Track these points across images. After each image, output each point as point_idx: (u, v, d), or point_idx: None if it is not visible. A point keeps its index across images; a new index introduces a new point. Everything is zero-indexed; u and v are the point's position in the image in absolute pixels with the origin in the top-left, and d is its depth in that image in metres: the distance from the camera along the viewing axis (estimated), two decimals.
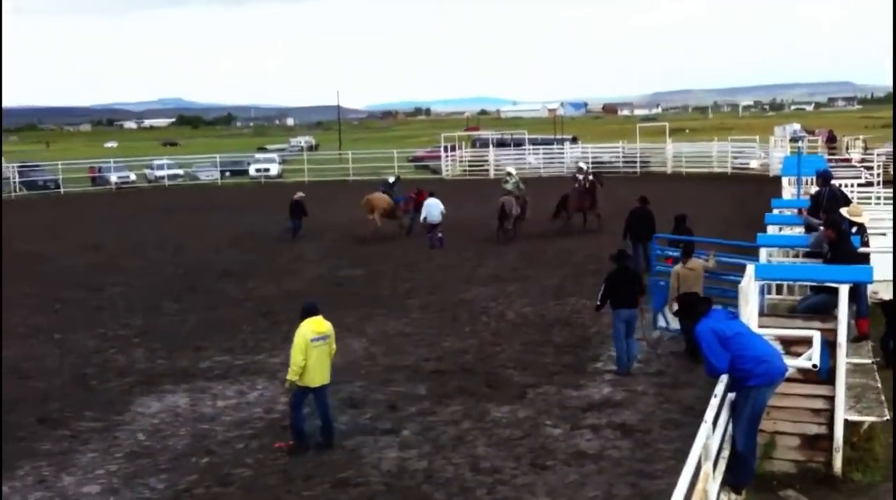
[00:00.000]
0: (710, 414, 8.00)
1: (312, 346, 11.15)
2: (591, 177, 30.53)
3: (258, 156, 64.44)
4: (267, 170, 57.09)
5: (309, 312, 11.46)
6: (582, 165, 35.18)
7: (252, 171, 57.45)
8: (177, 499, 10.12)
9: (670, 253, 18.59)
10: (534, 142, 57.62)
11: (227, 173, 56.66)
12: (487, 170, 51.98)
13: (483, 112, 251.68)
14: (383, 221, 29.15)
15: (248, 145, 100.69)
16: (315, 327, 11.27)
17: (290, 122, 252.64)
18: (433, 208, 27.56)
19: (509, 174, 30.53)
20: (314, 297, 20.22)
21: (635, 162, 51.08)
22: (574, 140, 61.95)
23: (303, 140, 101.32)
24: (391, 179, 32.96)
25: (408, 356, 15.41)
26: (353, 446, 11.47)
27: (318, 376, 11.22)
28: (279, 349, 15.83)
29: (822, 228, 14.17)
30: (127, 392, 13.98)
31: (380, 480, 10.40)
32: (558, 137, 57.78)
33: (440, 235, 27.32)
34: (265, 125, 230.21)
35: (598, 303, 14.49)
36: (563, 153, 54.58)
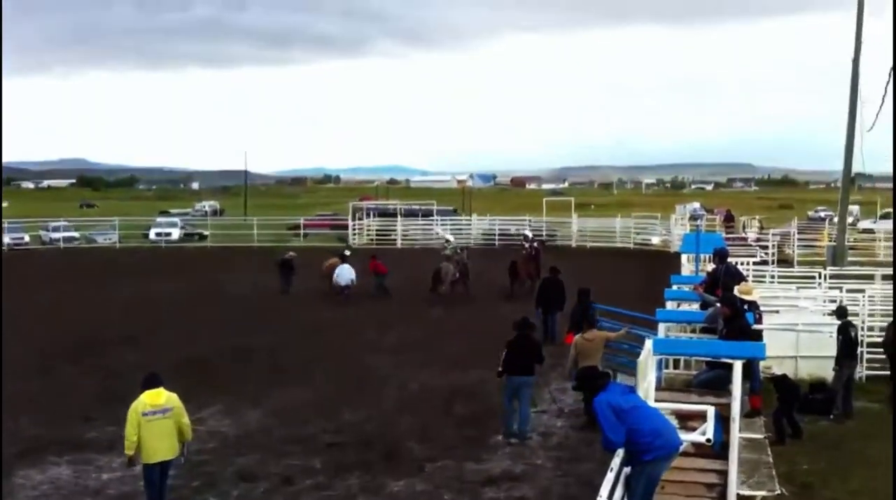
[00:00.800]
0: (605, 489, 7.99)
1: (145, 420, 10.57)
2: (535, 244, 32.38)
3: (159, 219, 63.22)
4: (168, 234, 56.04)
5: (148, 383, 10.89)
6: (528, 232, 36.47)
7: (152, 235, 56.33)
8: None
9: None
10: (412, 213, 58.46)
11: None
12: (395, 239, 52.02)
13: (392, 181, 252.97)
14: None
15: (150, 208, 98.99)
16: (150, 399, 10.69)
17: (195, 185, 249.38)
18: (345, 273, 30.02)
19: (447, 241, 32.66)
20: (210, 365, 19.94)
21: (542, 235, 51.82)
22: (455, 212, 62.83)
23: (207, 205, 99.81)
24: (347, 252, 33.81)
25: (306, 428, 15.08)
26: None
27: (158, 451, 10.62)
28: None
29: (718, 304, 14.52)
30: (10, 462, 13.29)
31: None
32: (437, 207, 59.03)
33: (347, 292, 29.75)
34: (169, 188, 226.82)
35: (500, 369, 14.58)
36: (469, 225, 55.09)
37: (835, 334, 16.29)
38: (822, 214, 66.32)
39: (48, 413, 15.92)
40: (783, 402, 14.32)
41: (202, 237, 57.20)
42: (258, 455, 13.62)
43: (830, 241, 44.47)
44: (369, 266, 31.76)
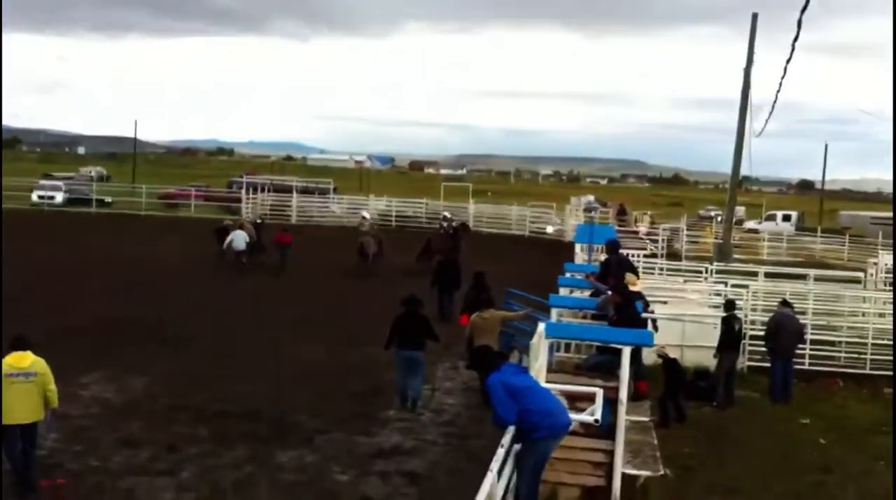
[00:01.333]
0: (495, 464, 8.07)
1: (8, 381, 10.22)
2: (454, 225, 34.50)
3: (42, 182, 60.87)
4: (52, 197, 54.04)
5: (13, 345, 10.53)
6: (447, 213, 40.79)
7: (34, 197, 54.22)
8: None
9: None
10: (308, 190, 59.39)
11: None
12: (290, 215, 51.39)
13: (289, 158, 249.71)
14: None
15: (33, 171, 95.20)
16: (14, 361, 10.35)
17: (80, 150, 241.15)
18: (238, 238, 31.17)
19: (364, 218, 35.89)
20: (94, 333, 19.33)
21: (438, 218, 52.03)
22: (335, 190, 62.89)
23: (93, 170, 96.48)
24: (258, 221, 35.79)
25: (193, 397, 14.75)
26: (126, 486, 10.81)
27: (17, 413, 10.25)
28: None
29: (609, 292, 14.86)
30: None
31: None
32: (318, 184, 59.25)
33: (244, 260, 30.79)
34: (54, 152, 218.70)
35: (385, 343, 15.00)
36: (367, 205, 54.91)
37: (719, 325, 16.86)
38: (712, 214, 68.44)
39: None
40: (670, 386, 14.74)
41: (104, 203, 54.93)
42: (142, 422, 13.29)
43: (716, 238, 46.08)
44: (274, 238, 32.47)
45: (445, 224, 34.36)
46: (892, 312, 19.63)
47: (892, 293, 23.55)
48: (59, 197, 54.66)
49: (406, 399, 14.72)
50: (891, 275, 29.09)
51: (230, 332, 20.17)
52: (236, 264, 30.58)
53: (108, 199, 56.02)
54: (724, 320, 16.69)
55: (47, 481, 10.73)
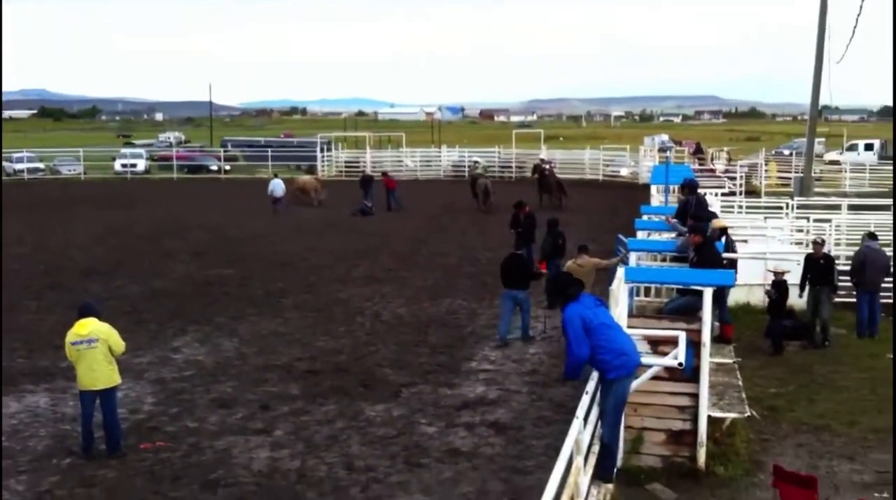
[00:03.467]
0: (581, 410, 8.16)
1: (74, 349, 10.71)
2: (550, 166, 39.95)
3: (124, 151, 62.30)
4: (133, 165, 55.37)
5: (79, 312, 10.98)
6: (543, 156, 45.38)
7: (117, 166, 55.59)
8: None
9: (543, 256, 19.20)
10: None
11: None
12: (364, 171, 51.76)
13: (360, 113, 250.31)
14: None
15: (114, 140, 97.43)
16: (77, 329, 10.77)
17: (159, 117, 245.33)
18: (277, 186, 35.52)
19: (476, 162, 45.41)
20: (182, 296, 19.92)
21: (511, 167, 51.86)
22: (329, 144, 63.22)
23: (172, 136, 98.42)
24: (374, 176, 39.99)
25: (280, 356, 15.15)
26: (223, 446, 11.18)
27: (88, 379, 10.69)
28: (144, 349, 15.34)
29: (688, 233, 14.69)
30: None
31: (251, 480, 10.18)
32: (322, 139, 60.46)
33: (283, 203, 35.26)
34: (132, 119, 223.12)
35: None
36: (439, 157, 55.01)
37: (802, 262, 16.57)
38: (785, 152, 66.50)
39: (18, 346, 15.84)
40: (776, 310, 14.98)
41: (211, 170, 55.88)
42: (235, 383, 13.70)
43: (777, 172, 45.02)
44: (384, 183, 37.41)
45: (546, 166, 39.01)
46: None
47: None
48: (141, 165, 55.95)
49: (504, 334, 15.76)
50: None
51: (310, 290, 20.54)
52: (273, 212, 34.44)
53: (215, 166, 56.65)
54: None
55: (148, 443, 11.19)
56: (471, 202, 36.30)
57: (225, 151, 60.63)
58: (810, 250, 16.60)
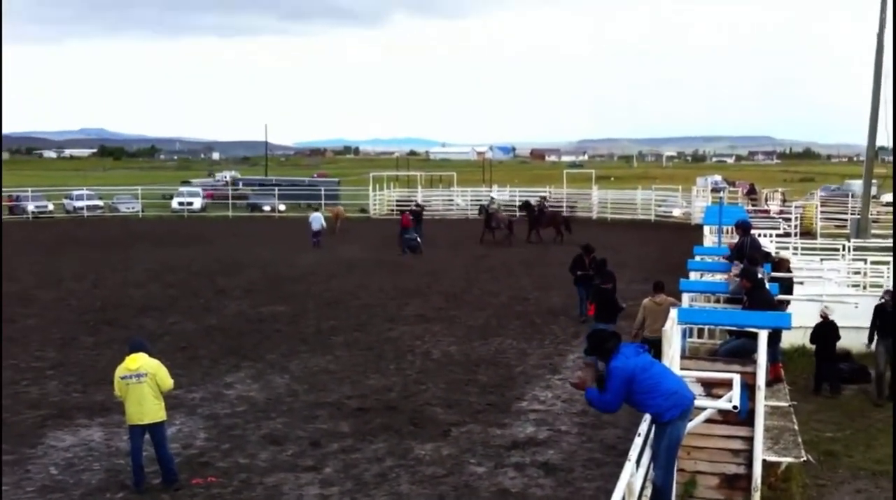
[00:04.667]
0: (633, 453, 8.05)
1: (123, 383, 10.86)
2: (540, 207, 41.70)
3: (182, 189, 63.51)
4: (190, 203, 56.35)
5: (130, 348, 11.20)
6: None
7: (174, 204, 56.62)
8: None
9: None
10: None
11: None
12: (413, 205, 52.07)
13: (412, 153, 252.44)
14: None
15: (172, 178, 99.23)
16: (127, 364, 10.95)
17: (215, 156, 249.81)
18: (316, 220, 37.72)
19: (492, 199, 47.35)
20: (235, 332, 20.14)
21: (562, 207, 51.83)
22: (338, 183, 69.26)
23: (228, 175, 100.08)
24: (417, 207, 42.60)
25: (331, 393, 15.23)
26: (273, 482, 11.23)
27: (136, 413, 10.84)
28: (197, 385, 15.53)
29: (739, 278, 14.51)
30: (39, 426, 13.51)
31: None
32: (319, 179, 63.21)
33: (319, 239, 37.17)
34: (190, 158, 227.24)
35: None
36: (490, 197, 55.16)
37: (860, 305, 16.29)
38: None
39: (74, 380, 16.12)
40: (825, 350, 14.81)
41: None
42: (286, 419, 13.78)
43: (852, 214, 44.20)
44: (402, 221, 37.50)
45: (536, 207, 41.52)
46: None
47: None
48: (198, 203, 56.94)
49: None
50: None
51: (361, 328, 20.64)
52: (314, 245, 36.56)
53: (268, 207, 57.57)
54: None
55: (200, 479, 11.28)
56: (514, 239, 38.17)
57: (234, 189, 62.79)
58: (880, 300, 16.20)
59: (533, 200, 44.20)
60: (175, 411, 14.14)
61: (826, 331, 15.73)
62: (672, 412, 8.85)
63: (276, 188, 59.05)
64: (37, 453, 12.33)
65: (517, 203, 52.26)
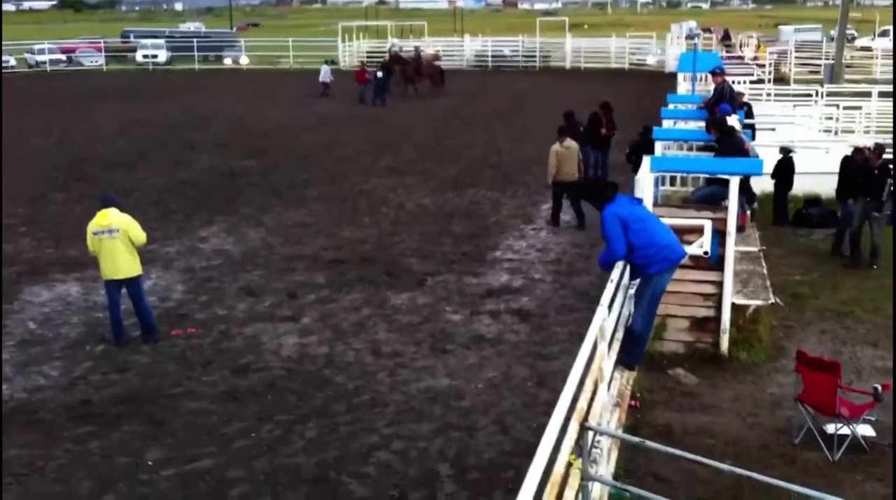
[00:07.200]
0: (606, 297, 8.17)
1: (96, 239, 10.84)
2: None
3: (145, 42, 61.72)
4: (155, 56, 54.94)
5: (102, 204, 11.10)
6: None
7: (139, 57, 55.19)
8: (73, 386, 9.92)
9: None
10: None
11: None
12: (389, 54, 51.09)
13: (382, 2, 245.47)
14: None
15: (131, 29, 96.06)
16: (98, 219, 10.89)
17: (178, 6, 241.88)
18: (325, 73, 38.99)
19: (394, 43, 47.42)
20: (207, 187, 20.01)
21: (535, 57, 51.05)
22: (256, 24, 66.33)
23: (192, 26, 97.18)
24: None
25: (307, 246, 15.29)
26: (252, 333, 11.40)
27: (110, 269, 10.86)
28: (172, 239, 15.55)
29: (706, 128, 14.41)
30: (14, 281, 13.53)
31: (280, 365, 10.40)
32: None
33: (328, 90, 38.24)
34: (152, 10, 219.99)
35: None
36: (462, 47, 54.20)
37: (831, 151, 16.37)
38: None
39: (46, 236, 16.06)
40: (782, 186, 15.99)
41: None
42: (262, 272, 13.88)
43: (767, 53, 43.72)
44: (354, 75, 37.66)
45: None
46: None
47: None
48: (163, 55, 55.53)
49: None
50: None
51: (334, 182, 20.57)
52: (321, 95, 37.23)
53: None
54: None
55: (179, 330, 11.42)
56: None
57: (124, 42, 61.00)
58: (847, 153, 14.96)
59: (403, 52, 42.59)
60: (151, 265, 14.15)
61: (787, 166, 16.04)
62: (660, 265, 8.92)
63: (165, 41, 57.94)
64: (14, 308, 12.37)
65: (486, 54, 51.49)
